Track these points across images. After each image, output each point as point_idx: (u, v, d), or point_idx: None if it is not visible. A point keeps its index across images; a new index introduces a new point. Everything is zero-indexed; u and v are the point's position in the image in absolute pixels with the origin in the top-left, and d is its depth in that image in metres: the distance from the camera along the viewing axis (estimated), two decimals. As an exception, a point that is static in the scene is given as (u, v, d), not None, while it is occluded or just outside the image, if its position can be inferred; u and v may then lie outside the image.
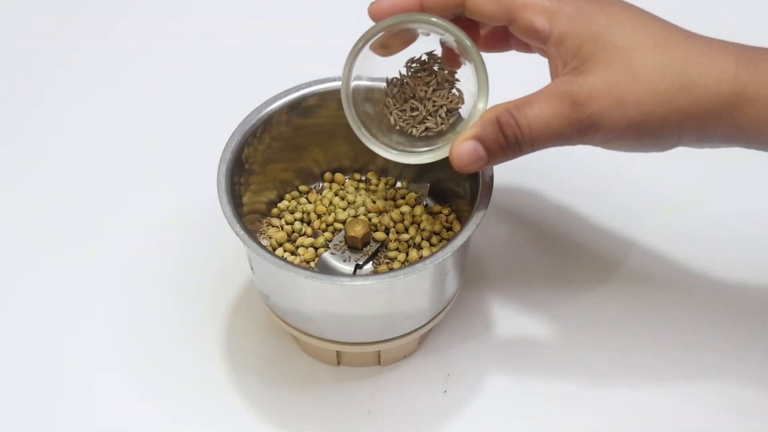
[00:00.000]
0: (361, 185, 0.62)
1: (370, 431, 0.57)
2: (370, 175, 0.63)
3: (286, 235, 0.60)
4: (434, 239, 0.59)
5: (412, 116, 0.54)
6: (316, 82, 0.59)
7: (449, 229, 0.60)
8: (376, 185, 0.62)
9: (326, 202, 0.61)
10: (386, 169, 0.63)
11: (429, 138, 0.54)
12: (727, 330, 0.60)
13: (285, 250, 0.59)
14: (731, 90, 0.47)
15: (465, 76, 0.53)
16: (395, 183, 0.63)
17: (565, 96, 0.48)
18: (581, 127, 0.48)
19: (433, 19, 0.50)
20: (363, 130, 0.54)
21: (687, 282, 0.63)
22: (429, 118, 0.54)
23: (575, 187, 0.68)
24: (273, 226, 0.61)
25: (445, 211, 0.61)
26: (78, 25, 0.81)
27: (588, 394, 0.58)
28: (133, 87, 0.76)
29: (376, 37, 0.51)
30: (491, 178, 0.54)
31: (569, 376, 0.59)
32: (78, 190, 0.69)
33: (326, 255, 0.58)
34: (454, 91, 0.54)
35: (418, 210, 0.60)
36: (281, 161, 0.61)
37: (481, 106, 0.51)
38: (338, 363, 0.60)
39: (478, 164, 0.50)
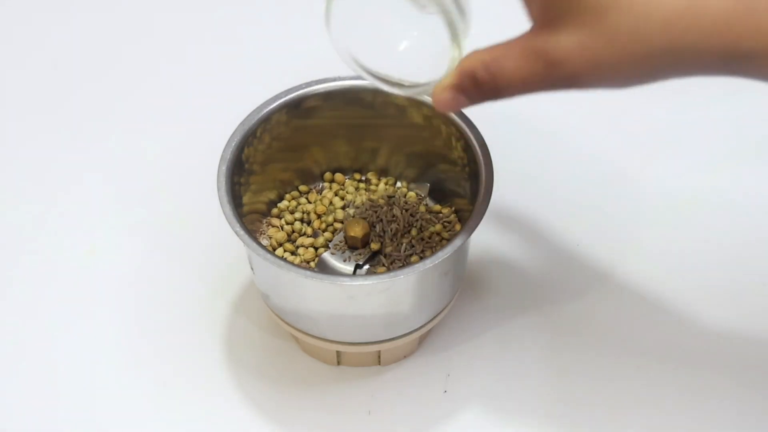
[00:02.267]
0: (361, 185, 0.62)
1: (370, 431, 0.57)
2: (370, 175, 0.63)
3: (286, 235, 0.60)
4: (434, 239, 0.59)
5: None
6: (316, 82, 0.59)
7: (449, 229, 0.60)
8: (376, 185, 0.62)
9: (326, 202, 0.61)
10: (386, 169, 0.63)
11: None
12: (733, 329, 0.60)
13: (285, 250, 0.59)
14: (723, 48, 0.42)
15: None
16: (395, 183, 0.63)
17: (539, 55, 0.46)
18: (558, 84, 0.47)
19: None
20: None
21: (688, 281, 0.63)
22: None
23: (575, 187, 0.68)
24: (273, 226, 0.61)
25: (445, 211, 0.61)
26: (78, 23, 0.81)
27: (588, 394, 0.58)
28: (133, 87, 0.76)
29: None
30: (492, 178, 0.54)
31: (569, 376, 0.59)
32: (78, 190, 0.69)
33: (326, 255, 0.58)
34: None
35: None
36: (281, 161, 0.61)
37: (456, 53, 0.50)
38: (338, 363, 0.60)
39: (458, 108, 0.50)
